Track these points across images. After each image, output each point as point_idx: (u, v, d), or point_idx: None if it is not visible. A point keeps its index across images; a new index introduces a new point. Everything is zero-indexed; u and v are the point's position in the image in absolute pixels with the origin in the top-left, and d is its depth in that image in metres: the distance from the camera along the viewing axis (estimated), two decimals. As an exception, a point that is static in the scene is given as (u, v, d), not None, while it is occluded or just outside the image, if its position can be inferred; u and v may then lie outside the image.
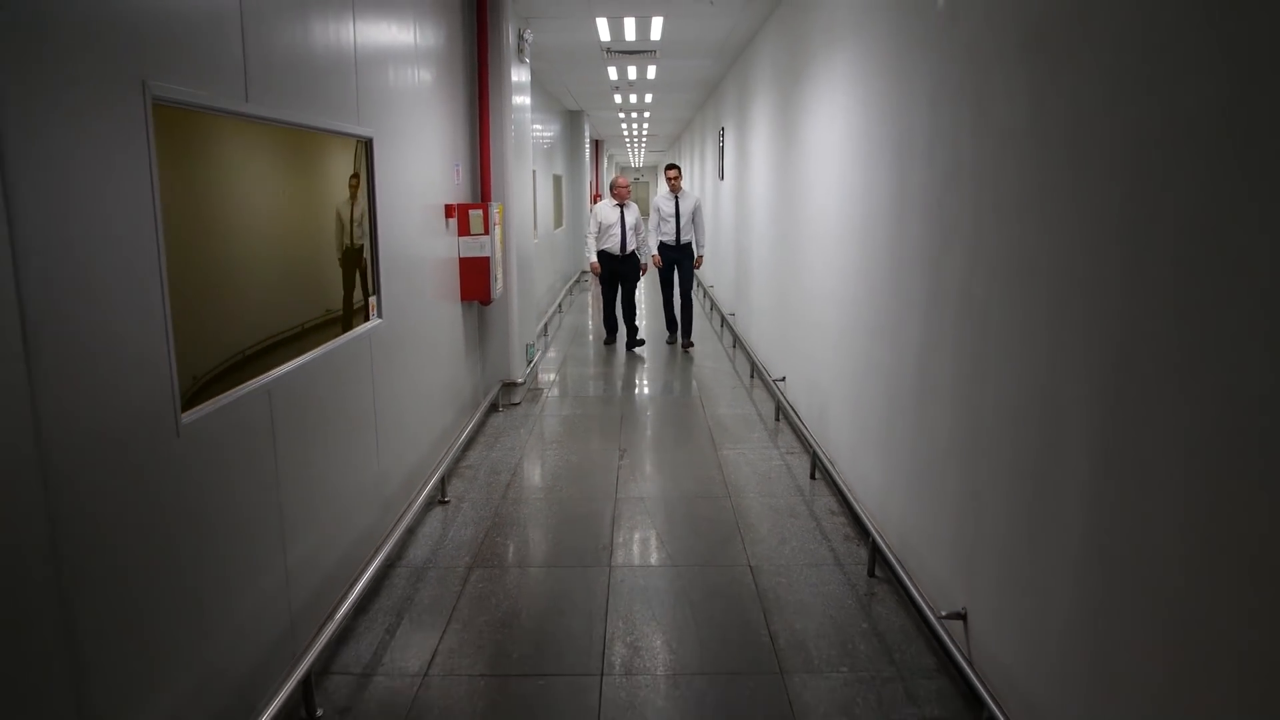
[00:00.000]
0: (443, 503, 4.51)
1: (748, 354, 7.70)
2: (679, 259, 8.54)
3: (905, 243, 3.40)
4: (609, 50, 8.32)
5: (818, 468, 4.83)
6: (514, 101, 6.17)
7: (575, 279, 14.49)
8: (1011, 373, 2.46)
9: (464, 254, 5.38)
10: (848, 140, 4.34)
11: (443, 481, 4.57)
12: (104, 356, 1.85)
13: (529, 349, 6.84)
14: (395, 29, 4.04)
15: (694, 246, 8.58)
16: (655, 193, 32.18)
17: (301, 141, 3.00)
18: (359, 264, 3.52)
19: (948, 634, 2.86)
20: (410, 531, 4.08)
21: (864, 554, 3.78)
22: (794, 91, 5.81)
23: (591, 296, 13.09)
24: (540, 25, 7.00)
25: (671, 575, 3.68)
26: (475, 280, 5.44)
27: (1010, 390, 2.47)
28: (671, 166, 8.69)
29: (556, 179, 12.76)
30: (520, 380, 6.57)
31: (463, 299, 5.46)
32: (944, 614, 2.89)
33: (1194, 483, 1.66)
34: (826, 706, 2.74)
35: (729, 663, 3.00)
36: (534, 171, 7.72)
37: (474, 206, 5.34)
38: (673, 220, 8.43)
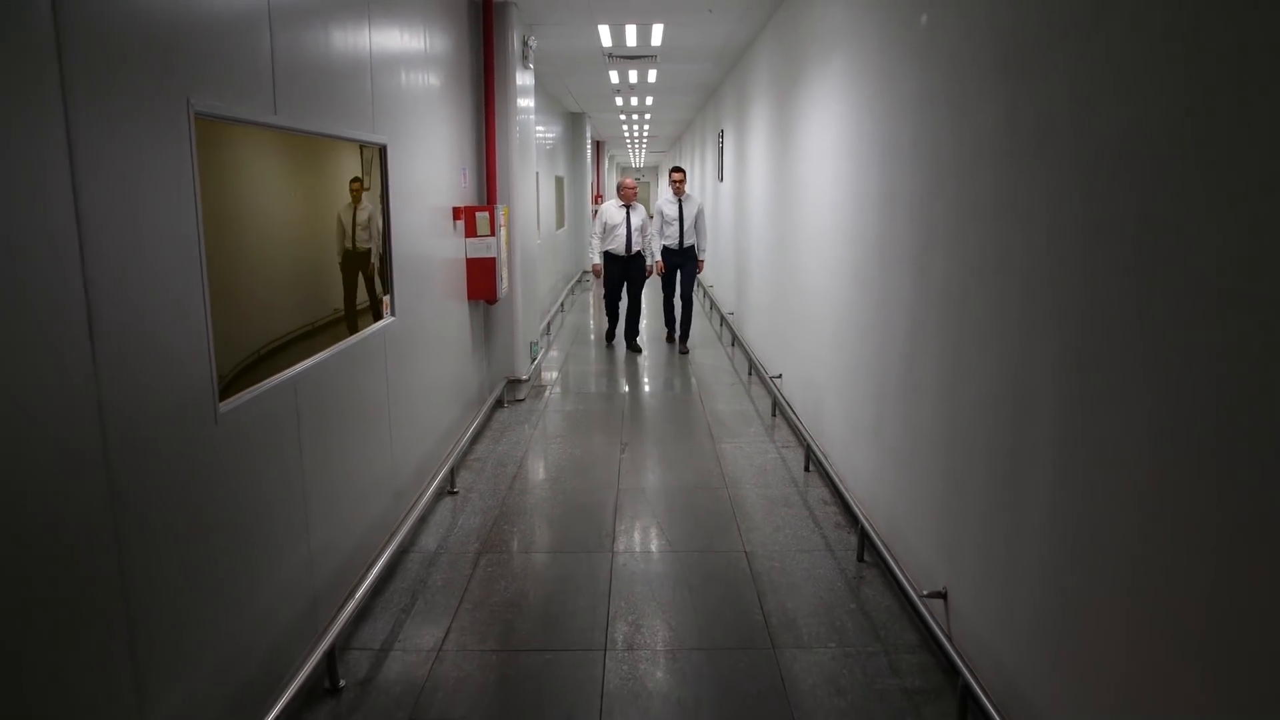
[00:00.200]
0: (452, 493, 4.69)
1: (746, 352, 7.87)
2: (682, 262, 8.58)
3: (893, 243, 3.58)
4: (610, 55, 8.48)
5: (812, 460, 5.02)
6: (518, 105, 6.36)
7: (577, 279, 14.67)
8: (986, 367, 2.64)
9: (471, 255, 5.57)
10: (840, 144, 4.51)
11: (452, 473, 4.76)
12: (155, 349, 2.04)
13: (533, 346, 7.02)
14: (407, 38, 4.22)
15: (696, 250, 8.61)
16: (655, 193, 32.31)
17: (315, 147, 3.18)
18: (369, 265, 3.71)
19: (929, 612, 3.04)
20: (422, 520, 4.27)
21: (854, 540, 3.96)
22: (790, 96, 5.98)
23: (593, 296, 13.26)
24: (543, 32, 7.17)
25: (671, 560, 3.86)
26: (482, 280, 5.63)
27: (985, 383, 2.65)
28: (677, 169, 8.70)
29: (559, 180, 12.91)
30: (524, 377, 6.75)
31: (469, 298, 5.65)
32: (926, 593, 3.07)
33: (1154, 469, 1.79)
34: (815, 678, 2.93)
35: (724, 639, 3.19)
36: (537, 173, 7.87)
37: (480, 209, 5.53)
38: (676, 223, 8.45)
